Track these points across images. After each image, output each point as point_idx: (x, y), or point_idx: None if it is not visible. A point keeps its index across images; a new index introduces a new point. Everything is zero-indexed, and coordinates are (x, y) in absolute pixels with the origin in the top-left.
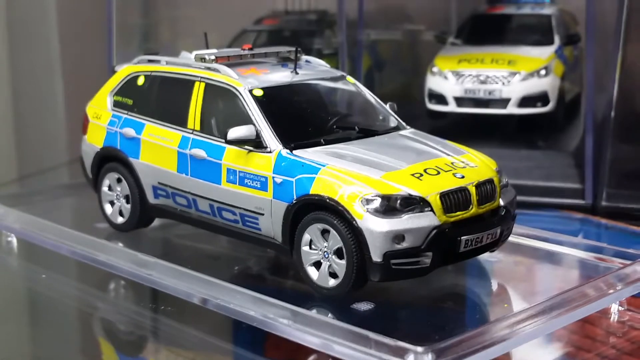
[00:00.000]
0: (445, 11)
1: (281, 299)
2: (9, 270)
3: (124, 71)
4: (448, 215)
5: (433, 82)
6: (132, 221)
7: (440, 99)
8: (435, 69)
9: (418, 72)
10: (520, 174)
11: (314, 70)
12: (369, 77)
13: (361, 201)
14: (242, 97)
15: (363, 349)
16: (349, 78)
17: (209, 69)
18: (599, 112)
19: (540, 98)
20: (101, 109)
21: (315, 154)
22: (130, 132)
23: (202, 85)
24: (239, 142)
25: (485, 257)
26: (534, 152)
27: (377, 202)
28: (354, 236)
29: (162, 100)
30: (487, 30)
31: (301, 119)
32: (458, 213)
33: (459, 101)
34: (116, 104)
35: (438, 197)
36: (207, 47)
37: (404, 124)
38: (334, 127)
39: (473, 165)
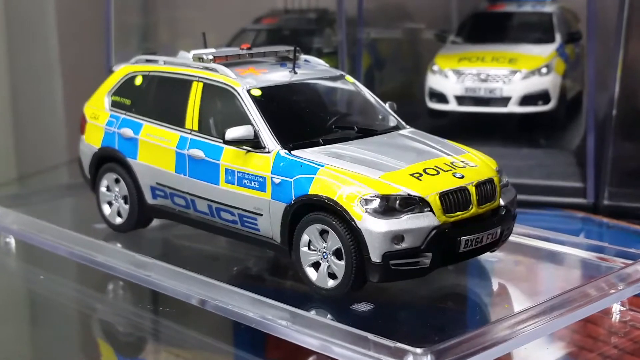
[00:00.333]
0: (445, 9)
1: (280, 299)
2: (7, 272)
3: (121, 71)
4: (448, 216)
5: (433, 81)
6: (131, 222)
7: (441, 97)
8: (435, 68)
9: (418, 70)
10: (522, 173)
11: (313, 70)
12: (369, 75)
13: (360, 201)
14: (240, 97)
15: (362, 351)
16: (348, 77)
17: (207, 68)
18: (600, 111)
19: (542, 96)
20: (99, 109)
21: (313, 154)
22: (128, 132)
23: (200, 85)
24: (237, 143)
25: (485, 256)
26: (535, 151)
27: (376, 203)
28: (353, 237)
29: (160, 100)
30: (488, 29)
31: (300, 118)
32: (458, 213)
33: (460, 100)
34: (114, 104)
35: (437, 197)
36: (206, 47)
37: (403, 123)
38: (333, 126)
39: (473, 164)
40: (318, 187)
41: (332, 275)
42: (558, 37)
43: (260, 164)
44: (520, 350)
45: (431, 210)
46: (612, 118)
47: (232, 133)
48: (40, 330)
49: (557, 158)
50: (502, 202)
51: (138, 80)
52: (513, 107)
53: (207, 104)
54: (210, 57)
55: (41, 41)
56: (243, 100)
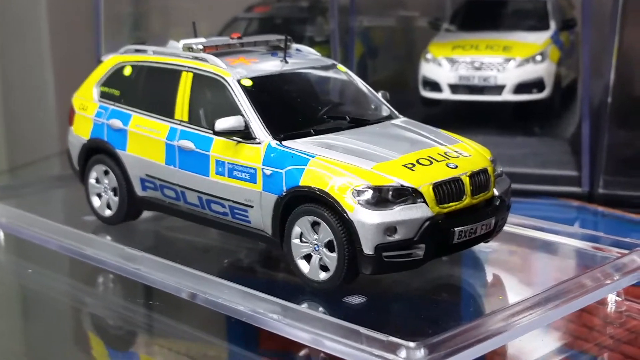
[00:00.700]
0: None
1: (271, 292)
2: None
3: (110, 61)
4: (441, 206)
5: (427, 69)
6: (120, 214)
7: (435, 86)
8: (429, 56)
9: (412, 59)
10: (516, 162)
11: (304, 59)
12: (361, 64)
13: (352, 193)
14: (231, 87)
15: (354, 345)
16: (340, 66)
17: (196, 58)
18: (595, 98)
19: (536, 84)
20: (87, 100)
21: (305, 145)
22: (117, 123)
23: (190, 75)
24: (227, 133)
25: (479, 247)
26: (530, 139)
27: (368, 194)
28: (345, 228)
29: (150, 90)
30: (482, 16)
31: (291, 109)
32: (451, 204)
33: (454, 88)
34: (103, 95)
35: (431, 187)
36: (196, 36)
37: (396, 112)
38: (325, 117)
39: (467, 154)
40: (309, 179)
41: (324, 268)
42: (552, 25)
43: (251, 155)
44: (515, 341)
45: (424, 201)
46: (607, 105)
47: (222, 124)
48: (29, 325)
49: (552, 146)
50: (496, 192)
51: (127, 71)
52: (507, 95)
53: (197, 94)
54: (200, 46)
55: (32, 31)
56: (233, 91)
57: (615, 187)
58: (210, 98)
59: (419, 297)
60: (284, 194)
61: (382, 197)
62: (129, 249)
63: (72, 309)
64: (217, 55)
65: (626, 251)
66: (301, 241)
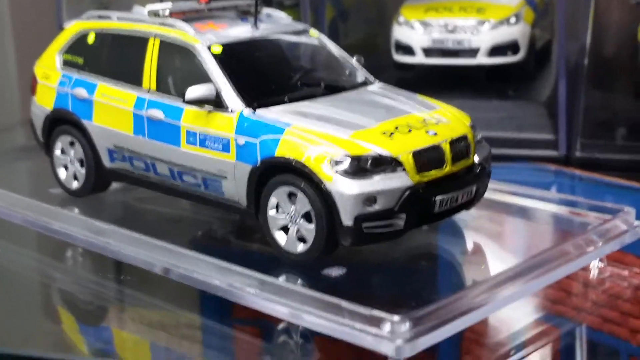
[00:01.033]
0: None
1: (248, 265)
2: None
3: (72, 28)
4: (421, 175)
5: (399, 33)
6: (88, 186)
7: (407, 50)
8: (401, 19)
9: (383, 22)
10: (492, 126)
11: (276, 24)
12: (332, 28)
13: (329, 162)
14: (200, 54)
15: (336, 319)
16: (313, 31)
17: (163, 24)
18: (571, 60)
19: (511, 47)
20: (50, 69)
21: (279, 114)
22: (82, 92)
23: (157, 42)
24: (198, 102)
25: (459, 214)
26: (505, 103)
27: (346, 164)
28: (323, 199)
29: (115, 58)
30: None
31: (263, 76)
32: (432, 172)
33: (427, 52)
34: (66, 63)
35: (410, 156)
36: (162, 1)
37: (372, 78)
38: (299, 83)
39: (446, 121)
40: (285, 149)
41: (302, 239)
42: None
43: (223, 125)
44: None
45: (404, 170)
46: (583, 67)
47: (193, 92)
48: None
49: (528, 109)
50: (476, 159)
51: (90, 38)
52: (482, 59)
53: (164, 62)
54: (167, 12)
55: None
56: (203, 58)
57: (592, 150)
58: (179, 66)
59: (400, 267)
60: (258, 164)
61: (360, 167)
62: (98, 222)
63: (41, 285)
64: (185, 20)
65: (607, 216)
66: (277, 212)
